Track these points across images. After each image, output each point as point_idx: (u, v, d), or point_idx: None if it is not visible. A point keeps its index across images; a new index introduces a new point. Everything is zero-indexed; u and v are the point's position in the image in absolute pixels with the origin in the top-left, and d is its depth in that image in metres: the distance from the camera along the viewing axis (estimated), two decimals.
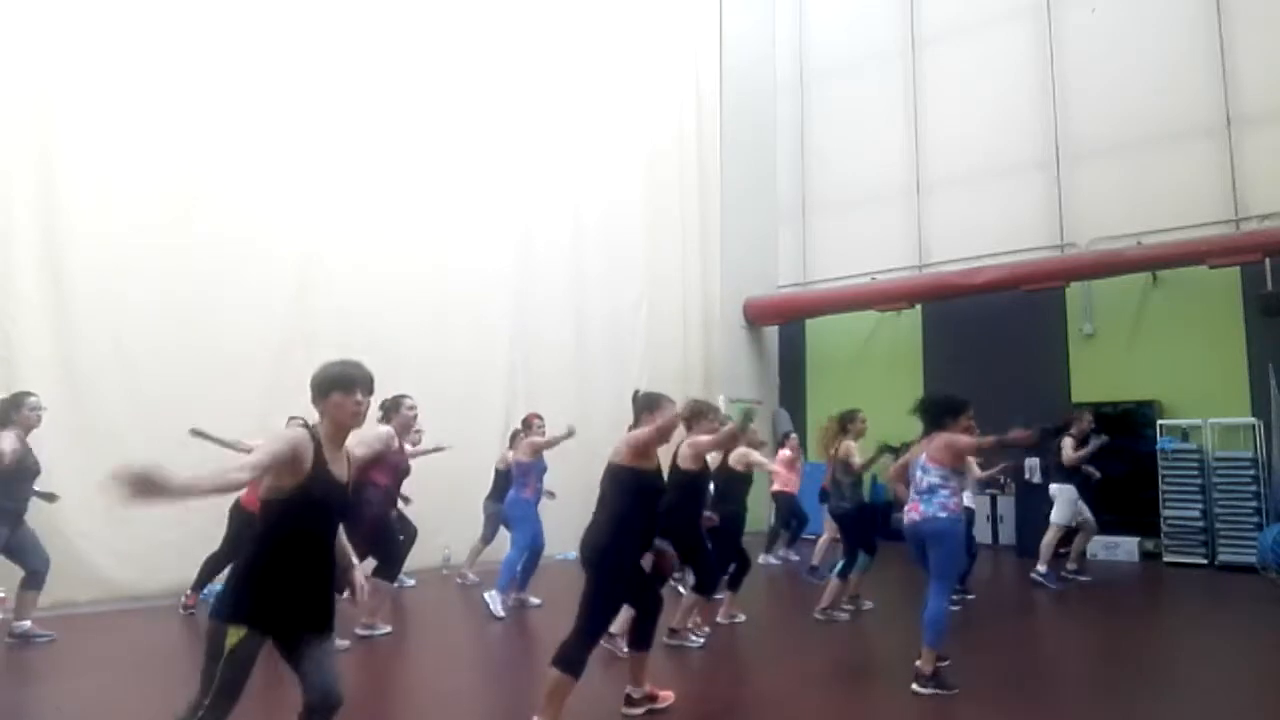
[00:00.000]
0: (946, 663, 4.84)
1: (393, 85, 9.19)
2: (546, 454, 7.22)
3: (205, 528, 7.10)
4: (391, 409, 5.73)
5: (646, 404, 4.20)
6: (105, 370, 7.02)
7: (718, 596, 6.59)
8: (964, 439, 4.95)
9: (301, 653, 2.76)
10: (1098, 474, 8.44)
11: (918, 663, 4.70)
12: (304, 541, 2.75)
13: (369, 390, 2.90)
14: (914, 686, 4.64)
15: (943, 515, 4.76)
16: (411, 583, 8.15)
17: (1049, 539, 8.27)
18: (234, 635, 2.63)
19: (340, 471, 2.85)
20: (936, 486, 4.84)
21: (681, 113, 12.82)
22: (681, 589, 5.59)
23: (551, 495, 7.46)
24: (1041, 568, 8.15)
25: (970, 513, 7.39)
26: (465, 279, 9.63)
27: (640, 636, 4.17)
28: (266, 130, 8.11)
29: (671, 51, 12.72)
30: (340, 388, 2.83)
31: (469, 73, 9.94)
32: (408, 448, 6.99)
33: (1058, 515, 8.28)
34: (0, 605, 5.85)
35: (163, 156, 7.42)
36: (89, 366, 6.95)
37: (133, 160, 7.26)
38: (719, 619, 6.51)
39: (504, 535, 7.67)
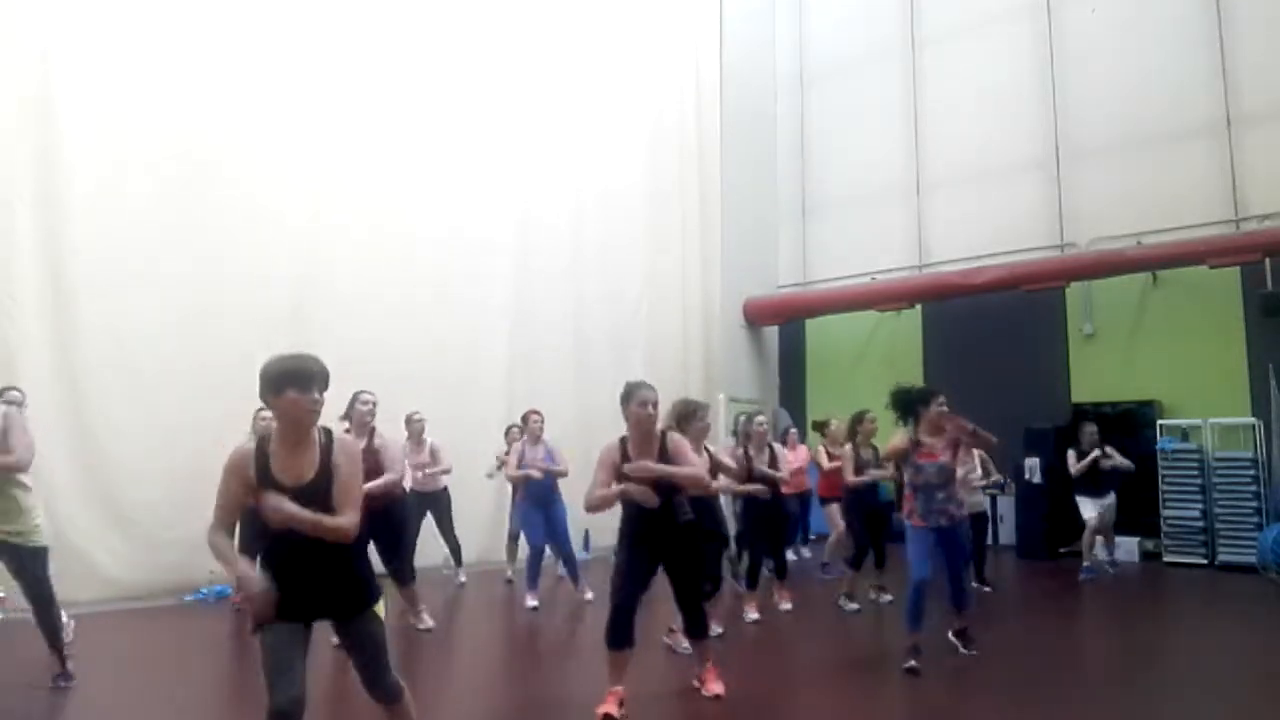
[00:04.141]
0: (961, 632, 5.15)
1: (396, 74, 9.21)
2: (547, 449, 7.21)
3: (205, 527, 7.09)
4: (349, 405, 5.72)
5: (623, 397, 4.23)
6: (105, 370, 7.02)
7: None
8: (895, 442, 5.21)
9: (344, 637, 2.89)
10: (1126, 463, 8.47)
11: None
12: (279, 542, 2.74)
13: (325, 387, 2.81)
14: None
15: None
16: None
17: (1085, 539, 8.61)
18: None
19: (295, 473, 2.76)
20: None
21: (681, 112, 12.82)
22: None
23: (564, 473, 7.21)
24: (1086, 562, 8.55)
25: (979, 518, 7.50)
26: (465, 283, 9.68)
27: (688, 626, 4.46)
28: (267, 114, 8.12)
29: (671, 50, 12.71)
30: (295, 384, 2.72)
31: (469, 73, 9.94)
32: (414, 446, 7.01)
33: (1085, 515, 8.55)
34: (0, 605, 5.85)
35: (162, 152, 7.42)
36: (88, 367, 6.95)
37: (132, 158, 7.27)
38: (753, 615, 6.49)
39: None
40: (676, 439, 4.36)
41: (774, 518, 6.68)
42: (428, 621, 6.18)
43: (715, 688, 4.42)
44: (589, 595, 7.16)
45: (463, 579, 8.24)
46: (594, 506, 4.15)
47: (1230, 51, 10.30)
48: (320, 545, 2.75)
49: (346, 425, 5.74)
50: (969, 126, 12.34)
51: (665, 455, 4.17)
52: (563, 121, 10.96)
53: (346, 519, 2.76)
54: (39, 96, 6.84)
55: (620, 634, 4.10)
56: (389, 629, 2.98)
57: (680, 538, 4.21)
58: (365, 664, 2.88)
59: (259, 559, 2.79)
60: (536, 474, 6.96)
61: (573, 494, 7.30)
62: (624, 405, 4.20)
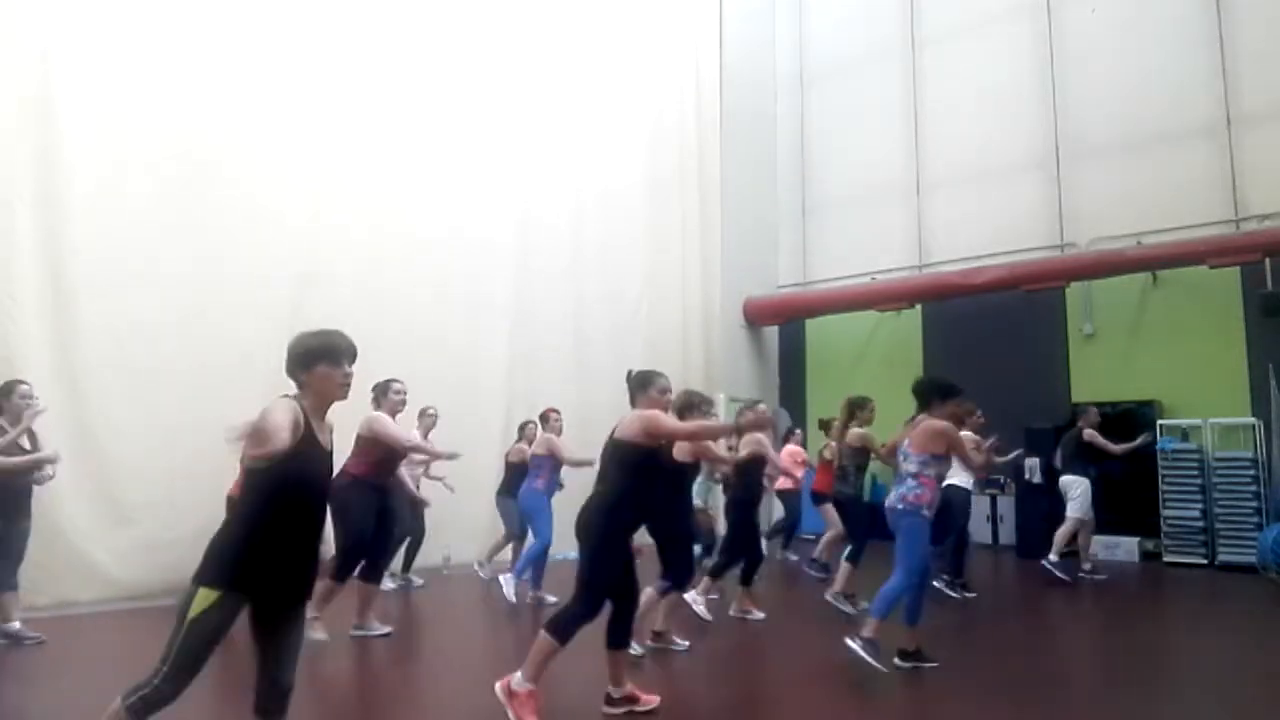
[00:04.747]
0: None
1: (396, 75, 9.19)
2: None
3: (206, 526, 7.08)
4: (380, 393, 5.75)
5: (640, 383, 4.21)
6: (105, 370, 7.01)
7: (698, 601, 6.48)
8: (946, 428, 4.96)
9: (275, 628, 2.73)
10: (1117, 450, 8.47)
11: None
12: (290, 511, 2.69)
13: (353, 359, 2.84)
14: (895, 660, 4.88)
15: (900, 506, 4.90)
16: (420, 582, 8.11)
17: (1066, 530, 8.36)
18: (202, 600, 2.59)
19: (326, 442, 2.83)
20: (908, 475, 4.96)
21: (681, 112, 12.82)
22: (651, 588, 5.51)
23: (561, 485, 7.35)
24: (1054, 557, 8.24)
25: (965, 494, 7.44)
26: (465, 283, 9.67)
27: (615, 634, 4.05)
28: (267, 114, 8.09)
29: (671, 50, 12.72)
30: (327, 359, 2.76)
31: (469, 73, 9.94)
32: (418, 438, 7.01)
33: (1078, 508, 8.33)
34: None
35: (162, 152, 7.39)
36: (88, 367, 6.94)
37: (132, 158, 7.25)
38: (730, 612, 6.53)
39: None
40: None
41: (756, 516, 6.69)
42: (380, 628, 5.85)
43: (651, 699, 4.13)
44: (513, 599, 6.92)
45: (392, 586, 7.82)
46: (712, 435, 5.13)
47: (1230, 51, 10.31)
48: (312, 522, 2.78)
49: (377, 410, 5.77)
50: (969, 126, 12.35)
51: None
52: (563, 121, 10.96)
53: None
54: (39, 96, 6.82)
55: (627, 632, 4.08)
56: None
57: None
58: (290, 656, 2.76)
59: (253, 536, 2.67)
60: (593, 464, 6.98)
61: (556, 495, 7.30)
62: (640, 391, 4.17)
